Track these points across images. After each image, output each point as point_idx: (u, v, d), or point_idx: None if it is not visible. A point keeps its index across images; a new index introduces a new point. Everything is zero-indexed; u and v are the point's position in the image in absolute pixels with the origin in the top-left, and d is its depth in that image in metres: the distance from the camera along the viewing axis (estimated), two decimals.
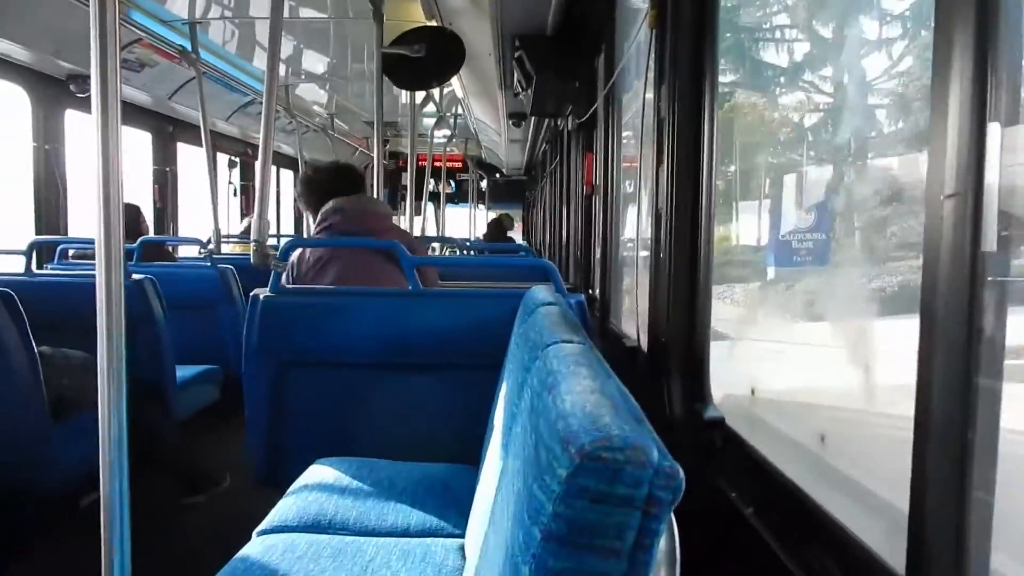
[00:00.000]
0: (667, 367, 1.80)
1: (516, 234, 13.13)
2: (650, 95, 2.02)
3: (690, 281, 1.73)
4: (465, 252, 6.95)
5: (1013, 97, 0.71)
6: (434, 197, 10.06)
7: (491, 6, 3.57)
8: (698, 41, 1.71)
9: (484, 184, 13.55)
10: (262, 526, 2.08)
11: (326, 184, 3.18)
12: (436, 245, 7.77)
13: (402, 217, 10.00)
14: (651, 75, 1.97)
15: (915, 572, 0.80)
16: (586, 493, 0.77)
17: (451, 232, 11.93)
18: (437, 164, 9.25)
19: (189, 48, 4.68)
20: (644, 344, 2.18)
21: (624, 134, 3.31)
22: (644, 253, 2.28)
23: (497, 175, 13.69)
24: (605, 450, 0.77)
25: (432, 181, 9.58)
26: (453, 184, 12.79)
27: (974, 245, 0.70)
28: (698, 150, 1.71)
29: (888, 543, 0.90)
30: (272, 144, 2.66)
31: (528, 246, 8.53)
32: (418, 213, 7.23)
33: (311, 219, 3.21)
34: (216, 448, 4.03)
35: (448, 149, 9.72)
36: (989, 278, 0.70)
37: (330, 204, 3.06)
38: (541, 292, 2.24)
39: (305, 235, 6.89)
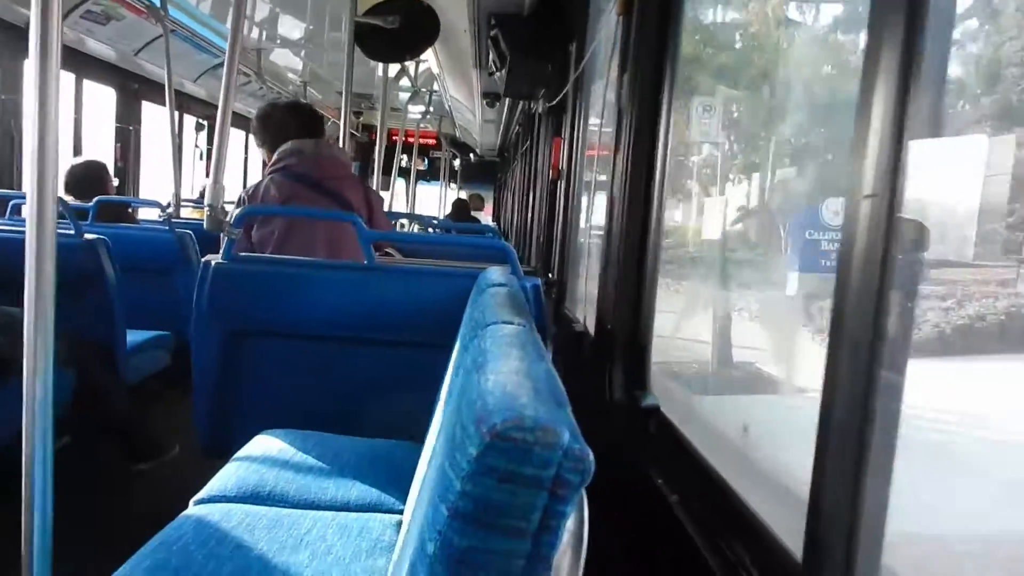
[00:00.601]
0: (610, 354, 1.82)
1: (486, 215, 13.10)
2: (614, 83, 2.01)
3: (637, 270, 1.74)
4: (433, 230, 6.91)
5: (930, 111, 0.73)
6: (406, 173, 9.98)
7: None
8: (662, 32, 1.71)
9: (457, 163, 13.47)
10: (199, 495, 2.05)
11: (284, 122, 3.10)
12: (404, 221, 7.72)
13: None
14: (615, 63, 1.96)
15: (811, 560, 0.82)
16: (494, 472, 0.77)
17: (422, 210, 11.86)
18: (411, 140, 9.16)
19: (157, 3, 4.56)
20: (592, 330, 2.19)
21: (592, 121, 3.30)
22: (599, 241, 2.29)
23: (471, 155, 13.62)
24: (516, 430, 0.77)
25: (405, 157, 9.50)
26: (426, 161, 12.69)
27: (886, 243, 0.72)
28: (654, 142, 1.71)
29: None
30: (231, 106, 2.61)
31: (495, 228, 8.51)
32: (386, 188, 7.16)
33: (266, 157, 3.14)
34: (166, 415, 3.98)
35: (422, 126, 9.63)
36: (897, 275, 0.72)
37: (288, 145, 3.01)
38: (494, 273, 2.24)
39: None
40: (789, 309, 1.47)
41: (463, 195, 12.29)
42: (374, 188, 3.83)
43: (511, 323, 1.40)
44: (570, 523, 0.82)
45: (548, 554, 0.80)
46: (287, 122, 3.10)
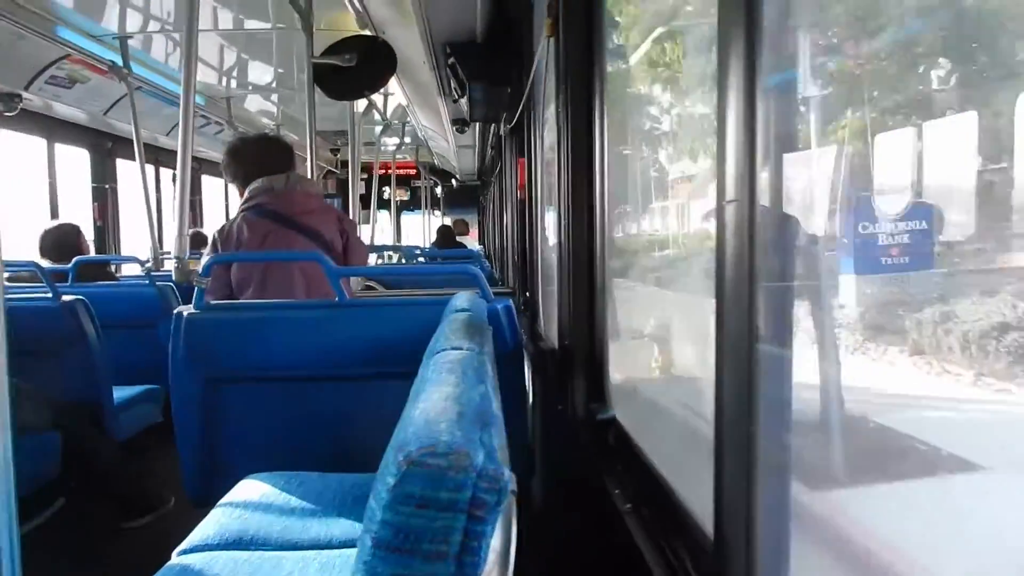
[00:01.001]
0: (572, 368, 1.84)
1: (472, 239, 13.14)
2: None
3: (588, 284, 1.77)
4: (419, 260, 6.95)
5: (777, 123, 0.77)
6: (388, 204, 10.03)
7: (418, 14, 3.59)
8: (587, 51, 1.75)
9: (439, 190, 13.54)
10: (182, 546, 2.06)
11: (254, 156, 3.09)
12: (390, 253, 7.76)
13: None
14: (551, 83, 2.01)
15: (719, 552, 0.84)
16: (411, 499, 0.79)
17: (407, 239, 11.91)
18: (389, 172, 9.23)
19: (120, 63, 4.62)
20: (556, 346, 2.21)
21: (548, 140, 3.35)
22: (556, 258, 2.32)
23: (452, 181, 13.69)
24: (431, 456, 0.80)
25: (386, 189, 9.56)
26: (408, 191, 12.76)
27: (751, 244, 0.75)
28: (591, 158, 1.74)
29: None
30: (190, 156, 2.64)
31: (480, 253, 8.55)
32: (366, 222, 7.20)
33: (239, 192, 3.14)
34: (161, 469, 3.98)
35: (400, 156, 9.70)
36: (764, 272, 0.75)
37: (259, 182, 3.01)
38: (461, 299, 2.26)
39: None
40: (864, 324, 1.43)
41: (447, 221, 12.34)
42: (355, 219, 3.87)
43: (460, 348, 1.43)
44: (496, 542, 0.84)
45: (473, 574, 0.81)
46: (256, 155, 3.10)
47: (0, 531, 1.55)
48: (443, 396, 1.02)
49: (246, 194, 3.03)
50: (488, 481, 0.80)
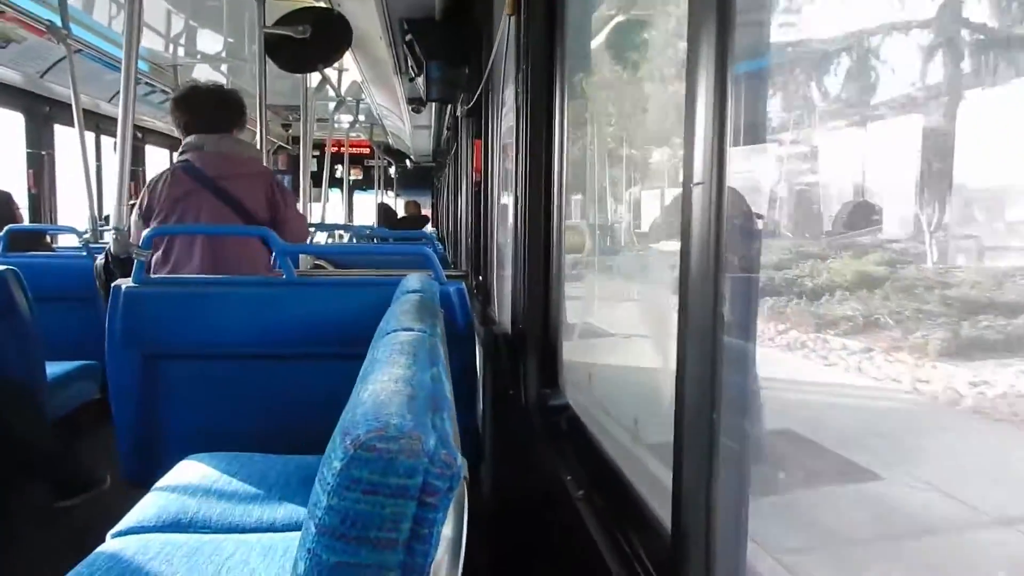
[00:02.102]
0: (524, 353, 1.82)
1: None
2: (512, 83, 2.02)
3: (543, 269, 1.75)
4: (370, 239, 6.85)
5: (744, 110, 0.76)
6: (341, 183, 9.87)
7: None
8: (550, 31, 1.72)
9: (393, 171, 13.38)
10: (117, 527, 1.99)
11: (197, 108, 2.98)
12: (342, 232, 7.63)
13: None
14: (512, 63, 1.97)
15: (677, 541, 0.83)
16: (358, 484, 0.76)
17: (359, 219, 11.74)
18: (343, 150, 9.07)
19: (59, 23, 4.41)
20: (509, 330, 2.19)
21: (506, 122, 3.31)
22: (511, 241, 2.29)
23: (406, 161, 13.54)
24: (380, 440, 0.76)
25: (339, 167, 9.39)
26: (361, 171, 12.58)
27: (717, 226, 0.73)
28: (550, 140, 1.72)
29: None
30: (131, 121, 2.54)
31: (434, 234, 8.49)
32: (318, 200, 7.07)
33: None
34: (97, 447, 3.85)
35: (353, 135, 9.54)
36: (730, 257, 0.74)
37: (192, 138, 2.92)
38: (413, 280, 2.22)
39: None
40: None
41: (399, 202, 12.22)
42: (300, 198, 3.77)
43: (411, 330, 1.39)
44: (447, 530, 0.82)
45: (423, 563, 0.79)
46: (200, 107, 2.99)
47: None
48: (393, 378, 0.99)
49: (180, 147, 2.95)
50: (440, 467, 0.77)
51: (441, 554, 0.81)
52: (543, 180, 1.74)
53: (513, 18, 1.92)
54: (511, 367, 1.95)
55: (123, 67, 2.52)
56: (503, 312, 2.62)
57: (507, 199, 2.88)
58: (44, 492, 3.34)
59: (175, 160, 2.96)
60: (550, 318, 1.75)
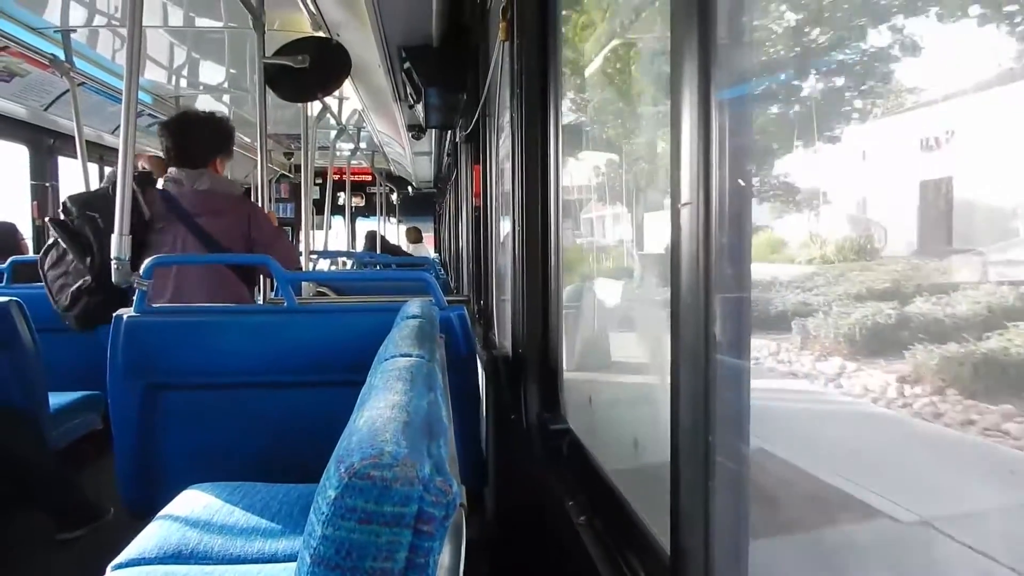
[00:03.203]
0: (525, 377, 1.81)
1: (428, 247, 13.07)
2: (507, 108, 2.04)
3: (542, 292, 1.75)
4: (373, 266, 6.88)
5: (732, 121, 0.76)
6: (343, 210, 9.90)
7: (372, 17, 3.55)
8: (543, 56, 1.73)
9: (395, 197, 13.43)
10: (118, 559, 1.97)
11: (184, 136, 3.05)
12: (345, 259, 7.65)
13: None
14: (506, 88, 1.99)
15: (676, 564, 0.82)
16: (353, 513, 0.75)
17: (363, 246, 11.76)
18: (344, 177, 9.12)
19: (62, 57, 4.46)
20: (509, 355, 2.19)
21: (503, 147, 3.33)
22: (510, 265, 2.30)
23: (408, 187, 13.60)
24: (374, 467, 0.76)
25: (342, 195, 9.43)
26: (363, 197, 12.64)
27: (706, 248, 0.73)
28: (545, 163, 1.73)
29: None
30: (132, 154, 2.55)
31: (435, 260, 8.50)
32: (320, 227, 7.10)
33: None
34: (100, 478, 3.83)
35: (355, 162, 9.59)
36: (719, 275, 0.74)
37: (172, 171, 2.99)
38: (414, 306, 2.22)
39: None
40: None
41: (402, 228, 12.25)
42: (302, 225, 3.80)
43: (408, 356, 1.39)
44: (444, 558, 0.81)
45: None
46: (185, 134, 3.05)
47: None
48: (389, 404, 0.98)
49: (164, 176, 3.01)
50: (435, 494, 0.76)
51: None
52: (540, 203, 1.75)
53: (506, 44, 1.94)
54: (512, 391, 1.94)
55: (124, 100, 2.55)
56: (503, 336, 2.61)
57: (506, 223, 2.90)
58: (46, 523, 3.32)
59: (159, 186, 3.02)
60: (549, 342, 1.74)
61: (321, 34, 4.11)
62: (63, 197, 5.99)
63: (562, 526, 1.34)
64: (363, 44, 4.11)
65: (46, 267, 3.07)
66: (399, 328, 1.80)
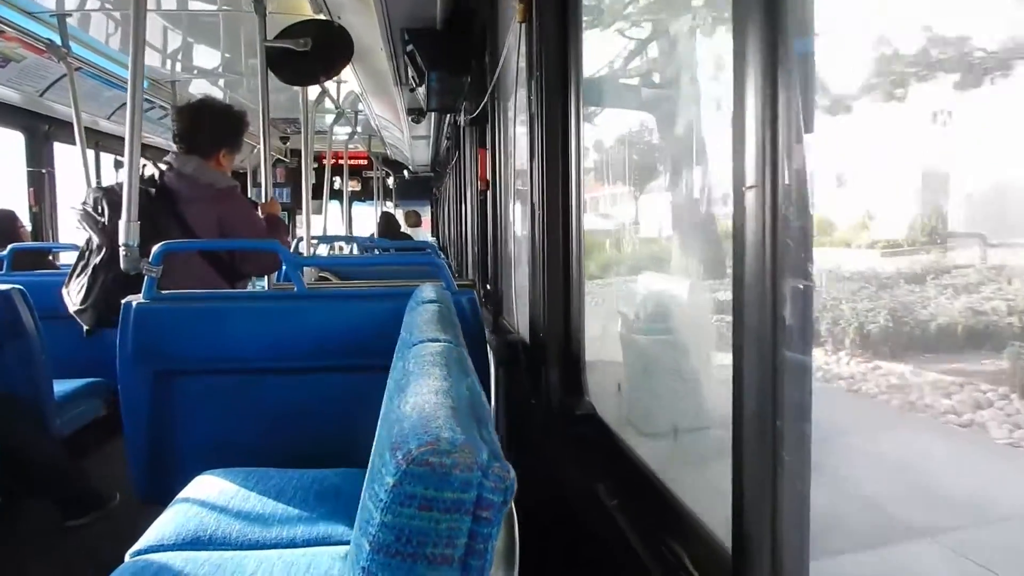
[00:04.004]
0: (545, 361, 1.81)
1: (424, 231, 13.04)
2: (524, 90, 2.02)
3: (563, 276, 1.74)
4: (372, 251, 6.85)
5: (802, 104, 0.74)
6: (340, 195, 9.85)
7: None
8: (563, 35, 1.71)
9: (391, 181, 13.37)
10: (136, 546, 1.97)
11: (191, 124, 3.05)
12: (343, 244, 7.62)
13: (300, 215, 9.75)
14: (524, 70, 1.97)
15: (740, 553, 0.82)
16: (413, 500, 0.75)
17: (358, 229, 11.72)
18: (341, 161, 9.07)
19: (59, 42, 4.40)
20: (527, 339, 2.18)
21: (513, 130, 3.31)
22: (527, 249, 2.29)
23: (404, 172, 13.53)
24: (432, 454, 0.75)
25: (338, 179, 9.38)
26: (359, 182, 12.57)
27: (772, 233, 0.72)
28: (566, 145, 1.71)
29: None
30: (139, 141, 2.53)
31: (434, 244, 8.47)
32: (318, 212, 7.06)
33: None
34: (106, 465, 3.82)
35: (352, 146, 9.54)
36: (786, 264, 0.73)
37: (169, 156, 3.01)
38: (427, 291, 2.21)
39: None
40: None
41: (389, 210, 12.19)
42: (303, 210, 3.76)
43: (436, 340, 1.38)
44: (500, 543, 0.81)
45: None
46: (192, 122, 3.06)
47: None
48: (432, 390, 0.97)
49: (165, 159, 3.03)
50: (494, 480, 0.76)
51: (494, 569, 0.80)
52: (560, 187, 1.73)
53: (524, 25, 1.91)
54: (531, 376, 1.94)
55: (129, 85, 2.52)
56: (517, 320, 2.61)
57: (518, 207, 2.88)
58: (53, 511, 3.32)
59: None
60: (571, 325, 1.73)
61: (322, 16, 4.06)
62: (59, 184, 5.95)
63: (590, 508, 1.34)
64: (365, 27, 4.06)
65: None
66: (418, 312, 1.79)
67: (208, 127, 3.05)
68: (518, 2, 1.90)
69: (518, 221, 2.90)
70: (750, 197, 0.74)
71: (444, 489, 0.75)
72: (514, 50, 2.23)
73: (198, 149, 3.02)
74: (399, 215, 11.51)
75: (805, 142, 0.71)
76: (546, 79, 1.75)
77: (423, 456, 0.76)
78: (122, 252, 2.49)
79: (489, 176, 3.63)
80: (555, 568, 1.49)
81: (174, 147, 3.12)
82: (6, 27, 4.26)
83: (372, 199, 12.10)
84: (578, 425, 1.60)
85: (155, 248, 2.58)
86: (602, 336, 1.87)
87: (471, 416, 0.89)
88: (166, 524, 2.05)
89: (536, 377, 1.88)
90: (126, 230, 2.49)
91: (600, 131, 2.05)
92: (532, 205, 1.91)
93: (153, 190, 2.92)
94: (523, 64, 2.03)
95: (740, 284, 0.77)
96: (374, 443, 1.27)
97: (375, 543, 0.77)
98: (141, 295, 2.58)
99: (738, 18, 0.75)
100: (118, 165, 7.35)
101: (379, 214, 10.57)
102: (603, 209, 2.16)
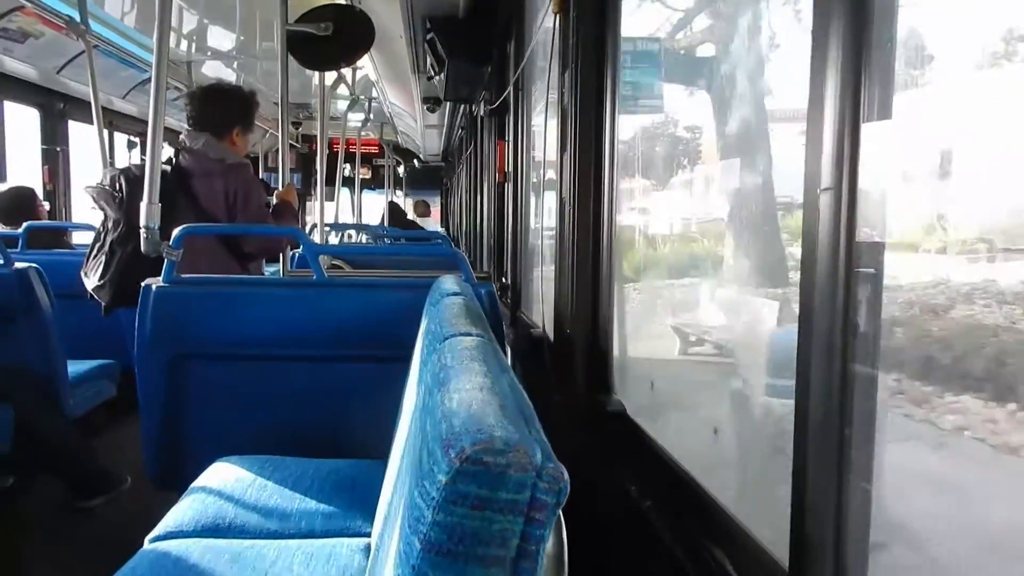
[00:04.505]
0: (572, 358, 1.79)
1: (434, 221, 13.01)
2: (556, 82, 1.99)
3: (593, 272, 1.72)
4: (381, 240, 6.84)
5: (883, 98, 0.71)
6: (350, 182, 9.84)
7: None
8: (601, 28, 1.69)
9: (402, 170, 13.34)
10: (155, 532, 1.97)
11: (202, 106, 3.09)
12: (352, 232, 7.60)
13: (313, 202, 9.73)
14: (556, 61, 1.94)
15: (798, 564, 0.80)
16: (466, 500, 0.73)
17: (368, 218, 11.71)
18: (353, 149, 9.04)
19: (78, 18, 4.38)
20: (552, 335, 2.16)
21: (536, 122, 3.28)
22: (551, 243, 2.26)
23: (415, 161, 13.50)
24: (487, 453, 0.74)
25: (348, 166, 9.35)
26: (370, 170, 12.54)
27: (848, 237, 0.70)
28: (600, 139, 1.69)
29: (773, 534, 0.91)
30: (161, 122, 2.51)
31: (445, 234, 8.45)
32: (330, 199, 7.04)
33: None
34: (116, 447, 3.82)
35: (364, 134, 9.51)
36: (862, 270, 0.71)
37: (183, 135, 3.05)
38: (448, 282, 2.20)
39: None
40: None
41: (408, 202, 12.19)
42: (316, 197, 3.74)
43: (470, 334, 1.36)
44: (549, 546, 0.79)
45: None
46: (203, 104, 3.11)
47: None
48: (476, 386, 0.96)
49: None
50: (548, 481, 0.75)
51: (544, 573, 0.78)
52: (592, 182, 1.71)
53: (559, 15, 1.89)
54: (557, 372, 1.92)
55: (154, 66, 2.51)
56: (538, 315, 2.59)
57: (543, 199, 2.85)
58: (64, 492, 3.32)
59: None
60: (600, 321, 1.71)
61: (343, 1, 4.03)
62: (73, 161, 5.93)
63: (623, 508, 1.32)
64: (386, 13, 4.03)
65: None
66: (444, 305, 1.77)
67: (220, 106, 3.08)
68: None
69: (542, 215, 2.88)
70: (825, 201, 0.72)
71: (499, 489, 0.73)
72: (543, 41, 2.20)
73: (210, 128, 3.04)
74: (408, 204, 11.49)
75: (886, 142, 0.69)
76: (581, 72, 1.73)
77: (478, 455, 0.74)
78: (143, 235, 2.47)
79: (508, 168, 3.60)
80: (596, 571, 1.47)
81: (186, 128, 3.13)
82: (25, 2, 4.23)
83: (383, 187, 12.06)
84: (607, 422, 1.59)
85: (175, 231, 2.56)
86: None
87: (519, 414, 0.88)
88: (184, 510, 2.05)
89: (560, 373, 1.87)
90: (147, 212, 2.47)
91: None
92: (561, 200, 1.89)
93: (168, 168, 2.92)
94: (554, 56, 2.00)
95: (810, 288, 0.75)
96: (409, 434, 1.26)
97: (427, 542, 0.75)
98: (160, 278, 2.57)
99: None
100: (131, 145, 7.34)
101: (388, 203, 10.56)
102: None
